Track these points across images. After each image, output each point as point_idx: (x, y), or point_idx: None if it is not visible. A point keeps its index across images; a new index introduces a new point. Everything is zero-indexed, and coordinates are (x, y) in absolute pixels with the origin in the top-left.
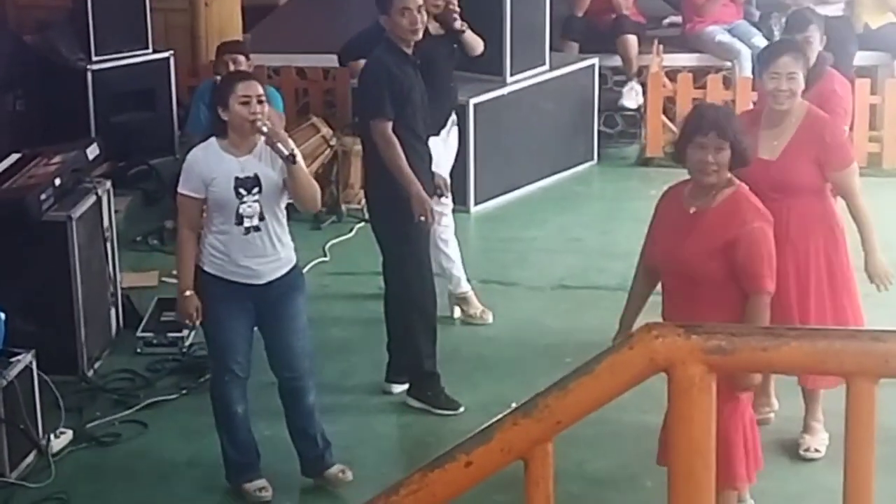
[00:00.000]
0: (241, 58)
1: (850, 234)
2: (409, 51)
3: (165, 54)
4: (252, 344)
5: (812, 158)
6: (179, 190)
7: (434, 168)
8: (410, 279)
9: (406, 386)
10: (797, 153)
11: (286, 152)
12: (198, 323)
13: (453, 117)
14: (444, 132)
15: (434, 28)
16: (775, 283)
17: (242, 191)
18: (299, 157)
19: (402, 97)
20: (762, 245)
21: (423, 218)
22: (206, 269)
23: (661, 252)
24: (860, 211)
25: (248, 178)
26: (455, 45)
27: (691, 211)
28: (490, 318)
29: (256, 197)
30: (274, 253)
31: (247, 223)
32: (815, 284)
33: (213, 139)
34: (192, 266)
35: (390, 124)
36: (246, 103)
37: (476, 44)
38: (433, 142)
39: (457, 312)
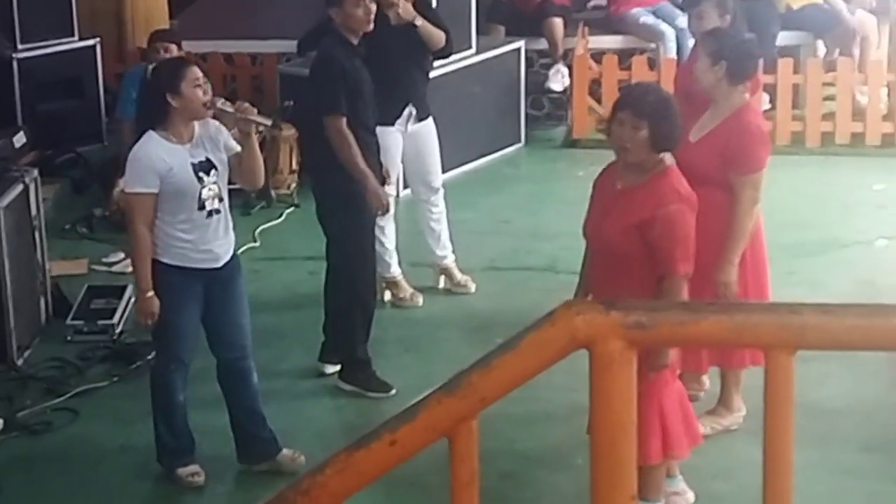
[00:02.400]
0: (174, 46)
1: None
2: (356, 42)
3: (91, 42)
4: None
5: (719, 153)
6: (130, 189)
7: (385, 158)
8: (354, 268)
9: (339, 367)
10: (709, 144)
11: (268, 121)
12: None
13: (410, 108)
14: (398, 123)
15: (395, 18)
16: (691, 266)
17: (202, 174)
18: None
19: (355, 91)
20: (676, 227)
21: (379, 211)
22: (163, 260)
23: (589, 226)
24: (736, 221)
25: (201, 162)
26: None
27: (618, 187)
28: (420, 300)
29: (215, 179)
30: (227, 234)
31: (208, 206)
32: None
33: (151, 133)
34: (150, 265)
35: (345, 119)
36: (198, 86)
37: (434, 37)
38: (388, 132)
39: (387, 296)
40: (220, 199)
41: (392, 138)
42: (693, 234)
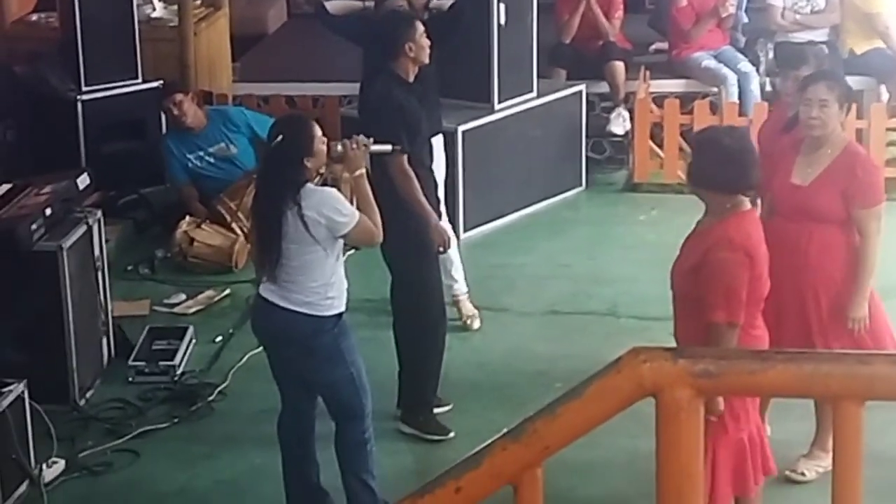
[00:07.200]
0: (180, 95)
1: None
2: (412, 80)
3: (155, 84)
4: None
5: (840, 190)
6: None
7: None
8: (426, 306)
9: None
10: (827, 184)
11: (388, 148)
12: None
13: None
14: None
15: None
16: (737, 316)
17: None
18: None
19: (413, 129)
20: (720, 275)
21: (441, 248)
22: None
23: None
24: (864, 254)
25: None
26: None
27: (696, 229)
28: (477, 324)
29: None
30: None
31: None
32: (826, 310)
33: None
34: None
35: (406, 157)
36: (323, 141)
37: None
38: None
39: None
40: None
41: None
42: (741, 286)
